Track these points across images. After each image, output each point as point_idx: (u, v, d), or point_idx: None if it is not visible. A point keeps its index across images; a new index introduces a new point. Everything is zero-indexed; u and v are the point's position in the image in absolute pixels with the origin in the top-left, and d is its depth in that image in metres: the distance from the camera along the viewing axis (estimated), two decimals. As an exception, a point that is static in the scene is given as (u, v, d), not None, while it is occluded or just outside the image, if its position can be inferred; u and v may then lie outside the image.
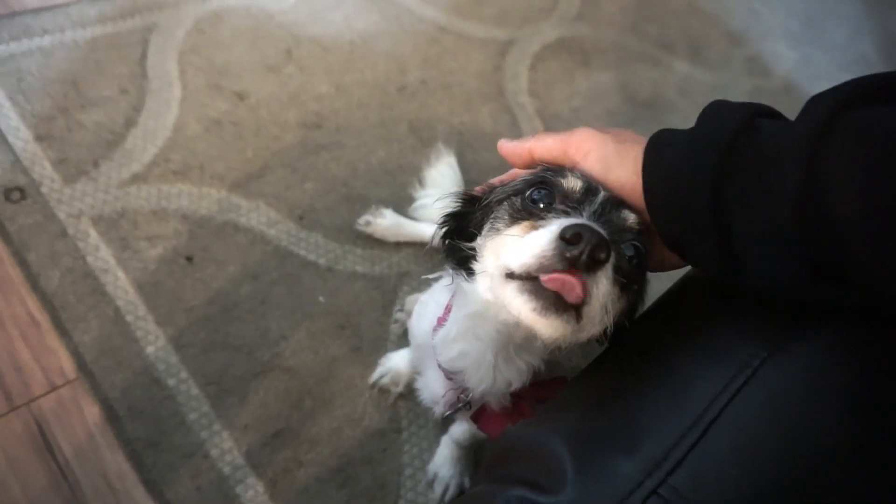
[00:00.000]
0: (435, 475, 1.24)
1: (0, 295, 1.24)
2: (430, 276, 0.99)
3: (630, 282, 0.65)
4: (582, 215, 0.62)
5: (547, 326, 0.59)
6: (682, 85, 2.17)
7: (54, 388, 1.18)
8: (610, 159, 0.66)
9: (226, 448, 1.19)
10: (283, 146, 1.60)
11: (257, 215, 1.47)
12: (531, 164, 0.75)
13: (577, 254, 0.55)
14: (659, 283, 0.79)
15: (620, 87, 2.07)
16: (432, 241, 0.81)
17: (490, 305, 0.68)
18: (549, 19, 2.19)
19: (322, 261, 1.44)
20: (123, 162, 1.46)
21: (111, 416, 1.17)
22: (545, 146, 0.72)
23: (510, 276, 0.61)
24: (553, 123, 1.88)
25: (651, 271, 0.71)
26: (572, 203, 0.65)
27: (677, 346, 0.63)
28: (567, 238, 0.56)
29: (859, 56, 2.65)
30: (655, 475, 0.51)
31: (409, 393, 1.31)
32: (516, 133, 1.83)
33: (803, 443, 0.52)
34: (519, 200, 0.68)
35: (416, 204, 1.52)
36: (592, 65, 2.11)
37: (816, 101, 0.53)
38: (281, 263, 1.41)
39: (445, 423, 1.25)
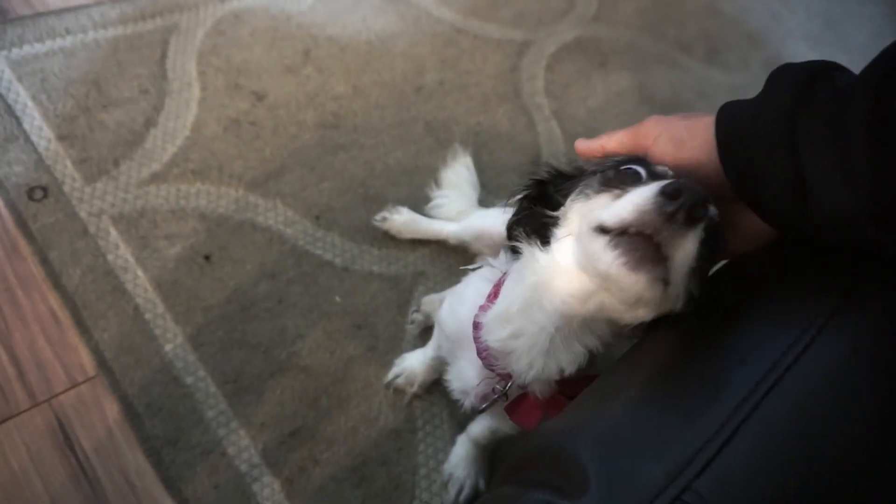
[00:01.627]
0: (450, 476, 1.24)
1: (22, 292, 1.26)
2: (471, 266, 1.00)
3: (702, 262, 0.65)
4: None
5: (636, 283, 0.60)
6: (701, 87, 2.16)
7: (75, 385, 1.19)
8: (681, 136, 0.69)
9: (243, 446, 1.20)
10: (301, 146, 1.61)
11: (275, 215, 1.48)
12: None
13: (676, 208, 0.56)
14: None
15: (638, 89, 2.06)
16: (509, 201, 0.83)
17: (564, 271, 0.69)
18: (566, 20, 2.19)
19: (338, 260, 1.45)
20: (143, 161, 1.47)
21: (130, 413, 1.18)
22: (616, 140, 0.76)
23: (601, 230, 0.62)
24: (569, 125, 1.88)
25: (736, 252, 0.73)
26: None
27: (702, 348, 0.63)
28: (668, 192, 0.57)
29: (881, 57, 2.61)
30: (679, 480, 0.50)
31: (424, 393, 1.31)
32: (532, 133, 1.82)
33: (832, 449, 0.51)
34: (613, 171, 0.70)
35: (433, 204, 1.53)
36: (609, 66, 2.10)
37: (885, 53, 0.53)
38: (298, 263, 1.42)
39: (468, 418, 1.25)
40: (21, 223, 1.32)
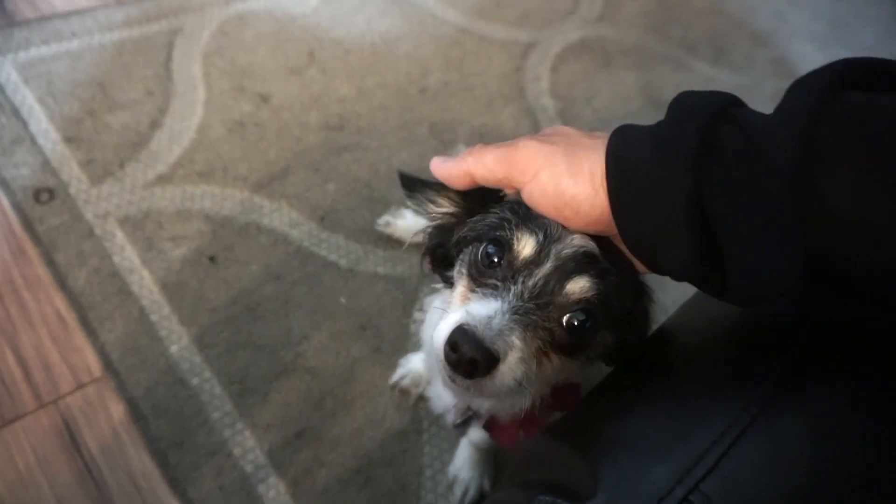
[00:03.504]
0: (455, 477, 1.23)
1: (29, 294, 1.26)
2: (439, 286, 0.98)
3: (578, 347, 0.64)
4: (507, 294, 0.61)
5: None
6: (706, 87, 2.12)
7: (81, 386, 1.19)
8: (561, 176, 0.59)
9: (248, 447, 1.20)
10: (306, 147, 1.61)
11: (279, 216, 1.48)
12: (475, 186, 0.69)
13: (455, 361, 0.57)
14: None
15: (643, 89, 2.05)
16: (422, 267, 0.81)
17: None
18: (571, 21, 2.18)
19: (343, 262, 1.45)
20: (149, 163, 1.48)
21: (136, 414, 1.18)
22: (486, 167, 0.64)
23: None
24: (574, 125, 1.86)
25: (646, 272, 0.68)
26: (513, 271, 0.63)
27: (707, 358, 0.62)
28: (450, 343, 0.58)
29: (889, 57, 2.59)
30: (686, 482, 0.50)
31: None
32: (537, 135, 1.82)
33: (838, 452, 0.51)
34: (474, 253, 0.67)
35: (437, 206, 1.52)
36: (614, 66, 2.09)
37: (804, 84, 0.49)
38: (303, 264, 1.42)
39: (459, 428, 1.25)
40: (27, 225, 1.33)
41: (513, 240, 0.64)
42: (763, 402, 0.54)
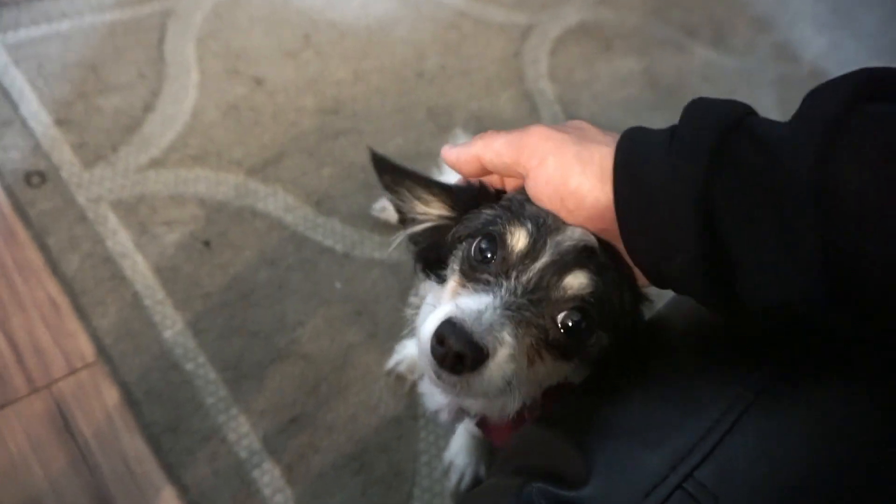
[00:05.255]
0: (450, 463, 1.23)
1: (21, 278, 1.25)
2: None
3: (572, 348, 0.62)
4: (499, 289, 0.59)
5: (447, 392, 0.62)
6: (706, 71, 2.12)
7: (74, 371, 1.19)
8: (569, 164, 0.58)
9: (243, 433, 1.20)
10: (301, 131, 1.59)
11: (274, 201, 1.46)
12: (483, 173, 0.67)
13: (441, 355, 0.55)
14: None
15: (643, 73, 2.03)
16: (415, 271, 0.78)
17: None
18: (571, 3, 2.15)
19: (339, 247, 1.44)
20: (142, 147, 1.46)
21: (130, 399, 1.18)
22: (495, 151, 0.63)
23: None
24: (573, 109, 1.86)
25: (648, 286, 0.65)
26: (507, 266, 0.61)
27: (702, 344, 0.61)
28: (437, 335, 0.55)
29: (891, 42, 2.57)
30: (680, 469, 0.49)
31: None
32: (535, 118, 1.80)
33: (833, 439, 0.50)
34: (467, 249, 0.65)
35: (434, 191, 1.51)
36: (614, 50, 2.07)
37: (823, 92, 0.47)
38: (298, 249, 1.41)
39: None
40: (19, 209, 1.32)
41: (506, 234, 0.62)
42: (758, 389, 0.53)
